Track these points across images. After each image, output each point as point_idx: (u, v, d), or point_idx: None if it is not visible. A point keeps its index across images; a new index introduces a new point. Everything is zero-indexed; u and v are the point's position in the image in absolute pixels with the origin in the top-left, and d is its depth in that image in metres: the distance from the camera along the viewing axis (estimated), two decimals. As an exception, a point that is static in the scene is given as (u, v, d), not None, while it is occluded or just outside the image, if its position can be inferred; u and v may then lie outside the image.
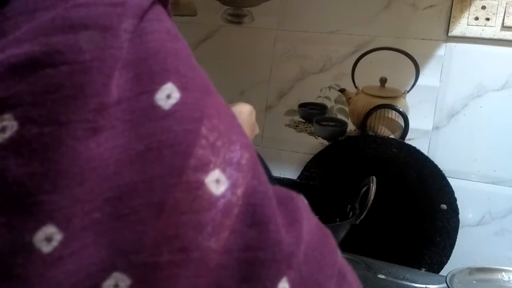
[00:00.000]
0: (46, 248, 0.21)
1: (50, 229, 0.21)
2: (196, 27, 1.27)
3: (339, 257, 0.31)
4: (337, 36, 1.14)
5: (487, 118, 1.03)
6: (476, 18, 1.01)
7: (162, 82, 0.24)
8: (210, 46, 1.26)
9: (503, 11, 0.99)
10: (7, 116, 0.21)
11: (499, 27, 1.00)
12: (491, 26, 1.01)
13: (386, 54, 1.10)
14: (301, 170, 1.16)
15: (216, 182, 0.24)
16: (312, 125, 1.18)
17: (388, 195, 1.02)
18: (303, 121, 1.18)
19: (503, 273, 0.86)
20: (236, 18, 1.24)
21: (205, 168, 0.24)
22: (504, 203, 1.02)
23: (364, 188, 0.86)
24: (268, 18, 1.20)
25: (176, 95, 0.24)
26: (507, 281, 0.85)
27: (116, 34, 0.23)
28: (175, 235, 0.22)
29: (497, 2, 1.00)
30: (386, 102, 1.11)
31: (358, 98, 1.14)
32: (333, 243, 0.31)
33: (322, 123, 1.17)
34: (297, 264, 0.26)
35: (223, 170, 0.24)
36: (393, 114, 1.11)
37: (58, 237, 0.21)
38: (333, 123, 1.16)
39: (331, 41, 1.14)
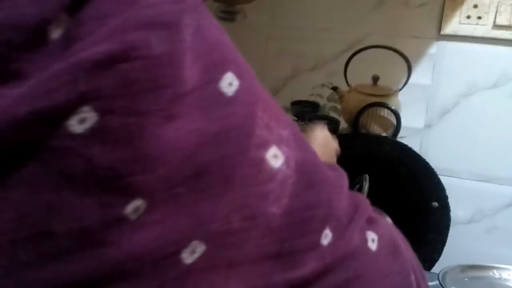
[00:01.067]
0: (132, 216, 0.24)
1: (137, 202, 0.24)
2: (188, 24, 1.27)
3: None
4: (330, 34, 1.14)
5: (479, 116, 1.04)
6: (468, 17, 1.02)
7: (224, 71, 0.27)
8: (202, 43, 1.26)
9: (495, 9, 1.00)
10: (86, 108, 0.22)
11: (491, 26, 1.01)
12: (483, 25, 1.01)
13: (378, 52, 1.10)
14: (293, 168, 1.16)
15: (274, 157, 0.28)
16: (305, 123, 1.17)
17: (379, 193, 1.02)
18: (296, 119, 1.18)
19: (495, 270, 0.86)
20: (229, 15, 1.23)
21: (265, 145, 0.27)
22: (495, 200, 1.03)
23: (357, 186, 0.86)
24: (260, 15, 1.20)
25: (236, 83, 0.27)
26: (499, 278, 0.85)
27: (180, 29, 0.25)
28: (244, 205, 0.26)
29: (489, 1, 1.00)
30: (378, 100, 1.11)
31: (350, 96, 1.14)
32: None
33: (314, 121, 1.17)
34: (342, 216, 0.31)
35: (278, 146, 0.28)
36: (385, 112, 1.11)
37: (143, 206, 0.24)
38: (325, 121, 1.16)
39: (323, 39, 1.14)
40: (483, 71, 1.03)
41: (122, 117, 0.23)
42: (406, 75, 1.09)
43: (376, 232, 0.35)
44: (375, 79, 1.12)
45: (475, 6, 1.01)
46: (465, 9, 1.02)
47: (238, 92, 0.27)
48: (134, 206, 0.23)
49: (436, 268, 1.00)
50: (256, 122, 0.27)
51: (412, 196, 1.06)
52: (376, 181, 0.89)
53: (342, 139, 1.14)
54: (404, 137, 1.09)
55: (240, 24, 1.22)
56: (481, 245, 1.03)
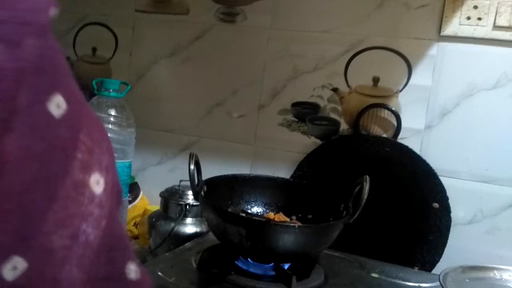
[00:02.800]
0: None
1: None
2: (188, 26, 1.27)
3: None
4: (330, 35, 1.14)
5: (479, 117, 1.04)
6: (468, 18, 1.02)
7: (53, 93, 0.28)
8: (203, 45, 1.26)
9: (495, 10, 1.00)
10: None
11: (491, 27, 1.01)
12: (483, 26, 1.01)
13: (378, 54, 1.11)
14: (294, 169, 1.16)
15: (96, 182, 0.30)
16: (305, 124, 1.18)
17: (380, 194, 1.03)
18: (296, 120, 1.18)
19: (495, 271, 0.86)
20: (229, 17, 1.24)
21: (87, 169, 0.29)
22: (496, 201, 1.03)
23: (358, 187, 0.86)
24: (261, 17, 1.20)
25: (63, 106, 0.28)
26: (499, 279, 0.85)
27: (24, 49, 0.26)
28: (66, 224, 0.27)
29: (489, 2, 1.00)
30: (378, 101, 1.11)
31: (350, 97, 1.14)
32: None
33: (315, 122, 1.17)
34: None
35: (100, 172, 0.30)
36: (385, 113, 1.11)
37: None
38: (326, 122, 1.16)
39: (324, 40, 1.14)
40: (484, 72, 1.03)
41: None
42: (406, 76, 1.09)
43: None
44: (376, 80, 1.12)
45: (475, 7, 1.01)
46: (465, 10, 1.02)
47: (65, 115, 0.28)
48: None
49: (437, 269, 1.00)
50: (79, 146, 0.29)
51: (412, 197, 1.06)
52: (376, 182, 0.89)
53: (342, 140, 1.14)
54: (405, 138, 1.09)
55: (240, 26, 1.23)
56: (482, 246, 1.03)
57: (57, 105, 0.28)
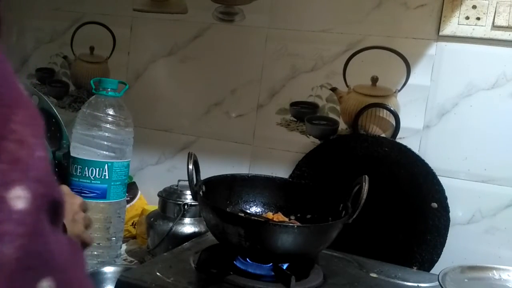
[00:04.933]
0: None
1: None
2: (186, 25, 1.26)
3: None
4: (329, 34, 1.14)
5: (477, 117, 1.04)
6: (467, 18, 1.02)
7: None
8: (201, 44, 1.25)
9: (494, 10, 1.00)
10: None
11: (490, 27, 1.01)
12: (482, 26, 1.01)
13: (377, 53, 1.11)
14: (292, 169, 1.15)
15: (17, 197, 0.26)
16: (304, 124, 1.17)
17: (379, 194, 1.02)
18: (295, 120, 1.18)
19: (494, 271, 0.86)
20: (227, 16, 1.23)
21: (8, 183, 0.25)
22: (494, 201, 1.03)
23: (357, 187, 0.86)
24: (259, 16, 1.20)
25: None
26: (498, 279, 0.85)
27: None
28: None
29: (487, 2, 1.00)
30: (377, 101, 1.11)
31: (349, 97, 1.14)
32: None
33: (313, 122, 1.17)
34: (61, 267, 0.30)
35: (24, 184, 0.26)
36: (384, 113, 1.11)
37: None
38: (324, 122, 1.16)
39: (322, 39, 1.14)
40: (482, 72, 1.03)
41: None
42: (405, 76, 1.09)
43: None
44: (374, 80, 1.12)
45: (474, 7, 1.01)
46: (464, 10, 1.02)
47: None
48: None
49: (435, 269, 0.99)
50: (1, 155, 0.25)
51: (411, 197, 1.06)
52: (375, 182, 0.89)
53: (341, 140, 1.14)
54: (403, 138, 1.09)
55: (239, 25, 1.22)
56: (481, 246, 1.03)
57: None
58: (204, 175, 0.90)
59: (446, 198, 1.04)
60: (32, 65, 1.44)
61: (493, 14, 1.00)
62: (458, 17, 1.03)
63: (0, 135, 0.25)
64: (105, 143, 0.99)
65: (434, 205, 1.04)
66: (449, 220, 1.04)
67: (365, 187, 0.83)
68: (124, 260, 1.07)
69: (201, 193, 0.85)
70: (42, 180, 0.28)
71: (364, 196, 0.83)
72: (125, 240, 1.14)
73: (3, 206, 0.25)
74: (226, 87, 1.24)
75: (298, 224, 0.90)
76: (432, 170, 1.05)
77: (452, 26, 1.03)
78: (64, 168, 1.08)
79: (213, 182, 0.91)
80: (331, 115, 1.15)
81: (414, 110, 1.08)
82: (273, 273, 0.80)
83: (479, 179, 1.04)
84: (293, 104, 1.18)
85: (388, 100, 1.11)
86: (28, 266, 0.27)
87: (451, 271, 0.82)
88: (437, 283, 0.79)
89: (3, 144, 0.25)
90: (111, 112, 1.01)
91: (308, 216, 0.95)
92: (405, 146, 1.07)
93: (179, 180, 1.08)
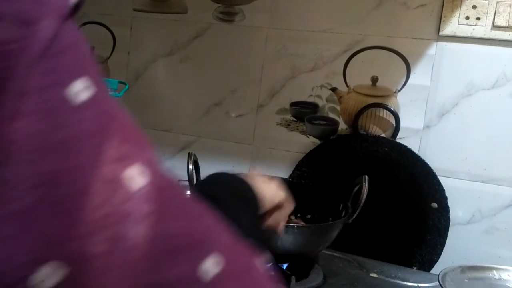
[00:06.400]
0: None
1: None
2: (186, 25, 1.26)
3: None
4: (329, 35, 1.14)
5: (477, 117, 1.04)
6: (467, 18, 1.02)
7: (75, 77, 0.24)
8: (201, 44, 1.25)
9: (494, 10, 1.00)
10: None
11: (490, 27, 1.01)
12: (482, 26, 1.01)
13: (377, 53, 1.11)
14: (292, 169, 1.15)
15: (136, 175, 0.25)
16: (304, 124, 1.17)
17: (379, 194, 1.02)
18: (295, 120, 1.18)
19: (494, 271, 0.86)
20: (227, 16, 1.23)
21: (124, 161, 0.25)
22: (494, 201, 1.03)
23: (357, 187, 0.86)
24: (259, 16, 1.20)
25: (89, 91, 0.25)
26: (498, 279, 0.85)
27: (39, 28, 0.23)
28: (104, 225, 0.23)
29: (487, 2, 1.00)
30: (377, 101, 1.11)
31: (349, 97, 1.14)
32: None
33: (313, 122, 1.17)
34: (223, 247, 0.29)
35: (140, 164, 0.26)
36: (384, 113, 1.11)
37: None
38: (324, 122, 1.16)
39: (322, 39, 1.14)
40: (482, 72, 1.03)
41: None
42: (405, 76, 1.09)
43: None
44: (374, 80, 1.12)
45: (474, 7, 1.01)
46: (464, 10, 1.02)
47: (91, 101, 0.25)
48: None
49: (435, 269, 0.99)
50: (112, 134, 0.25)
51: (411, 197, 1.06)
52: (375, 182, 0.89)
53: (341, 140, 1.14)
54: (403, 138, 1.09)
55: (239, 25, 1.22)
56: (481, 246, 1.03)
57: (80, 90, 0.24)
58: (204, 175, 0.90)
59: (446, 198, 1.04)
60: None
61: (493, 14, 1.00)
62: (458, 17, 1.03)
63: (106, 116, 0.25)
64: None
65: (434, 205, 1.04)
66: (449, 220, 1.04)
67: (365, 187, 0.84)
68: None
69: (201, 193, 0.85)
70: (154, 161, 0.27)
71: (364, 196, 0.83)
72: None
73: (122, 184, 0.24)
74: (226, 87, 1.24)
75: (298, 224, 0.90)
76: (432, 170, 1.05)
77: (452, 26, 1.03)
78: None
79: (213, 182, 0.91)
80: (331, 115, 1.15)
81: (414, 110, 1.08)
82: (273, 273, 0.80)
83: (479, 179, 1.04)
84: (293, 104, 1.18)
85: (388, 100, 1.11)
86: (169, 248, 0.26)
87: (451, 271, 0.82)
88: (437, 283, 0.79)
89: (111, 125, 0.25)
90: (111, 112, 1.01)
91: (308, 216, 0.95)
92: (405, 146, 1.07)
93: (179, 180, 1.08)
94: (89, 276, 0.23)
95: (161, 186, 0.27)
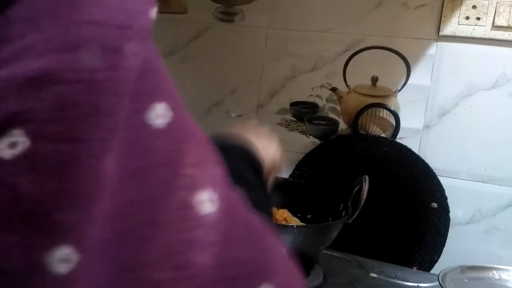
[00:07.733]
0: (62, 270, 0.20)
1: (66, 250, 0.20)
2: (186, 25, 1.26)
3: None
4: (329, 35, 1.14)
5: (478, 117, 1.04)
6: (467, 18, 1.02)
7: (155, 101, 0.24)
8: (201, 44, 1.25)
9: (494, 10, 1.00)
10: (17, 132, 0.20)
11: (490, 27, 1.01)
12: (482, 26, 1.01)
13: (377, 53, 1.11)
14: (292, 169, 1.15)
15: (204, 200, 0.25)
16: (304, 124, 1.17)
17: (379, 194, 1.02)
18: (295, 120, 1.18)
19: (494, 271, 0.86)
20: (227, 16, 1.23)
21: (193, 187, 0.25)
22: (494, 201, 1.03)
23: (357, 187, 0.86)
24: (259, 16, 1.20)
25: (168, 115, 0.25)
26: (498, 279, 0.85)
27: (126, 56, 0.23)
28: (172, 252, 0.23)
29: (487, 2, 1.00)
30: (377, 101, 1.11)
31: (349, 97, 1.14)
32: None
33: (313, 122, 1.17)
34: (275, 274, 0.29)
35: (210, 189, 0.26)
36: (384, 113, 1.11)
37: (74, 258, 0.21)
38: (324, 122, 1.16)
39: (322, 39, 1.14)
40: (482, 72, 1.03)
41: (55, 144, 0.20)
42: (405, 76, 1.09)
43: None
44: (374, 80, 1.12)
45: (474, 7, 1.01)
46: (464, 10, 1.02)
47: (169, 125, 0.24)
48: (61, 255, 0.20)
49: (435, 269, 0.99)
50: (185, 160, 0.25)
51: (411, 197, 1.06)
52: (375, 182, 0.89)
53: (341, 140, 1.14)
54: (403, 138, 1.09)
55: (239, 25, 1.22)
56: (481, 246, 1.03)
57: (159, 115, 0.24)
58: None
59: (446, 198, 1.04)
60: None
61: (493, 14, 1.00)
62: (458, 17, 1.03)
63: (181, 139, 0.25)
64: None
65: (434, 205, 1.04)
66: (449, 220, 1.04)
67: (365, 187, 0.83)
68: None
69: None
70: (224, 184, 0.27)
71: (364, 196, 0.83)
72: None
73: (191, 212, 0.24)
74: (226, 87, 1.24)
75: (298, 224, 0.90)
76: (432, 170, 1.05)
77: (452, 26, 1.03)
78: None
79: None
80: (331, 115, 1.15)
81: (414, 110, 1.08)
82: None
83: (479, 179, 1.04)
84: (293, 104, 1.18)
85: (388, 100, 1.11)
86: (230, 276, 0.26)
87: (451, 271, 0.82)
88: (437, 283, 0.79)
89: (185, 149, 0.25)
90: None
91: (309, 216, 0.95)
92: (405, 146, 1.07)
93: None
94: None
95: (227, 210, 0.26)
